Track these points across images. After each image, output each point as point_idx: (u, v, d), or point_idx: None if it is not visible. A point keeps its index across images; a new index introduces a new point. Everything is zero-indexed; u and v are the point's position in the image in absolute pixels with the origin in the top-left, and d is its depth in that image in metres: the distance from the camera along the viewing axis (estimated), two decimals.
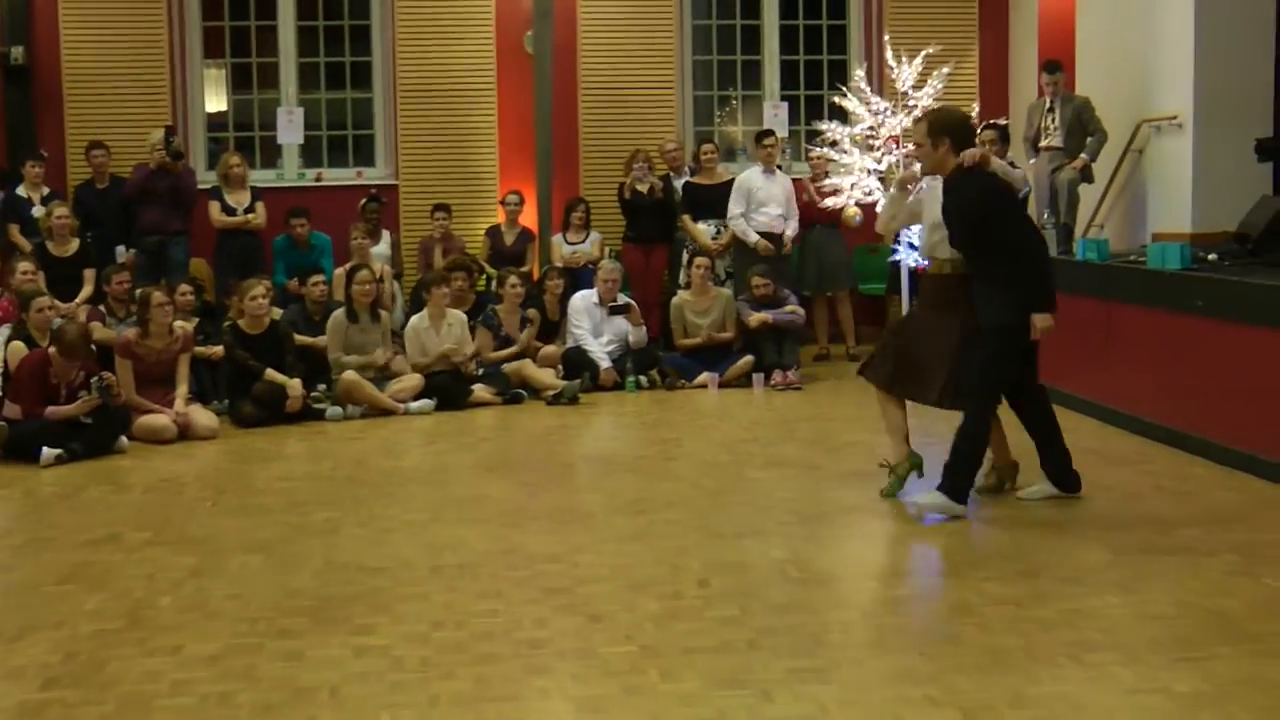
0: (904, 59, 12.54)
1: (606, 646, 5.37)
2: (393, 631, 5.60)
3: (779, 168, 13.34)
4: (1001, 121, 12.16)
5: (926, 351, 7.53)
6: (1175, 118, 11.44)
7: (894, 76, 12.59)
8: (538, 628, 5.62)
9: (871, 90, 12.86)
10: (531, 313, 12.13)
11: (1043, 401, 7.69)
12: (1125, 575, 6.19)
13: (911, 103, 12.40)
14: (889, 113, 12.54)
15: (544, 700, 4.88)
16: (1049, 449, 7.67)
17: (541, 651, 5.34)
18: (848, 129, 12.80)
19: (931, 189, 7.74)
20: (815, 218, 13.22)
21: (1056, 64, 12.26)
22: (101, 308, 11.57)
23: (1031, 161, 12.22)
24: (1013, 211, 7.39)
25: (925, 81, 12.37)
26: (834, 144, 12.78)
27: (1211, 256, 9.57)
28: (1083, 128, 11.95)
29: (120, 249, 12.76)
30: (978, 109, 12.45)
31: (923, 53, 12.48)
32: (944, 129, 7.31)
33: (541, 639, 5.48)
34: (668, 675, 5.04)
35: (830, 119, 13.33)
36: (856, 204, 12.80)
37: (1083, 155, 11.80)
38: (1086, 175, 11.84)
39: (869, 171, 12.58)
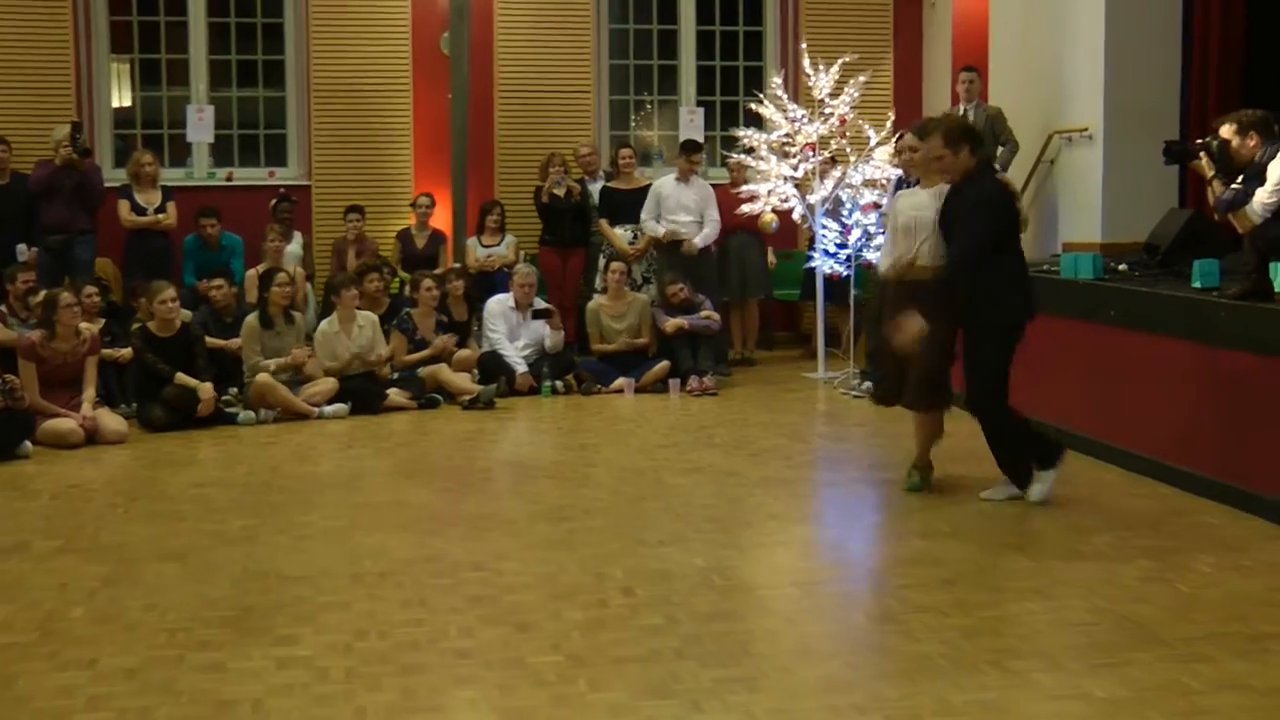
0: (820, 66, 12.59)
1: (534, 656, 5.35)
2: (315, 642, 5.54)
3: (695, 175, 13.36)
4: None
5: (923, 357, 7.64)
6: (1086, 129, 11.59)
7: (811, 84, 12.64)
8: (464, 637, 5.59)
9: (788, 97, 12.89)
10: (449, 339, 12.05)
11: (1017, 421, 7.82)
12: (1043, 582, 6.27)
13: (828, 110, 12.45)
14: (805, 120, 12.58)
15: (472, 711, 4.85)
16: (1024, 457, 7.79)
17: (468, 661, 5.31)
18: (764, 136, 12.83)
19: (901, 196, 7.95)
20: (735, 224, 13.25)
21: (972, 67, 12.42)
22: (3, 308, 11.36)
23: None
24: (999, 218, 7.55)
25: (842, 89, 12.43)
26: (751, 150, 12.81)
27: (1122, 267, 9.73)
28: (995, 138, 12.07)
29: (21, 247, 12.51)
30: (893, 117, 12.51)
31: (839, 61, 12.54)
32: (962, 136, 7.51)
33: (468, 649, 5.45)
34: (596, 685, 5.03)
35: (746, 125, 13.37)
36: (773, 210, 12.84)
37: (994, 165, 11.89)
38: None
39: (785, 178, 12.62)
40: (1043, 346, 9.54)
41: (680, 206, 12.92)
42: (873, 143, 12.26)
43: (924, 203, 7.75)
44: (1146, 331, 8.56)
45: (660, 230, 12.83)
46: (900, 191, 8.18)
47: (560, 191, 13.46)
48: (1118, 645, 5.41)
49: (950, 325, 7.60)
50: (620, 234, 13.08)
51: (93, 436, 9.90)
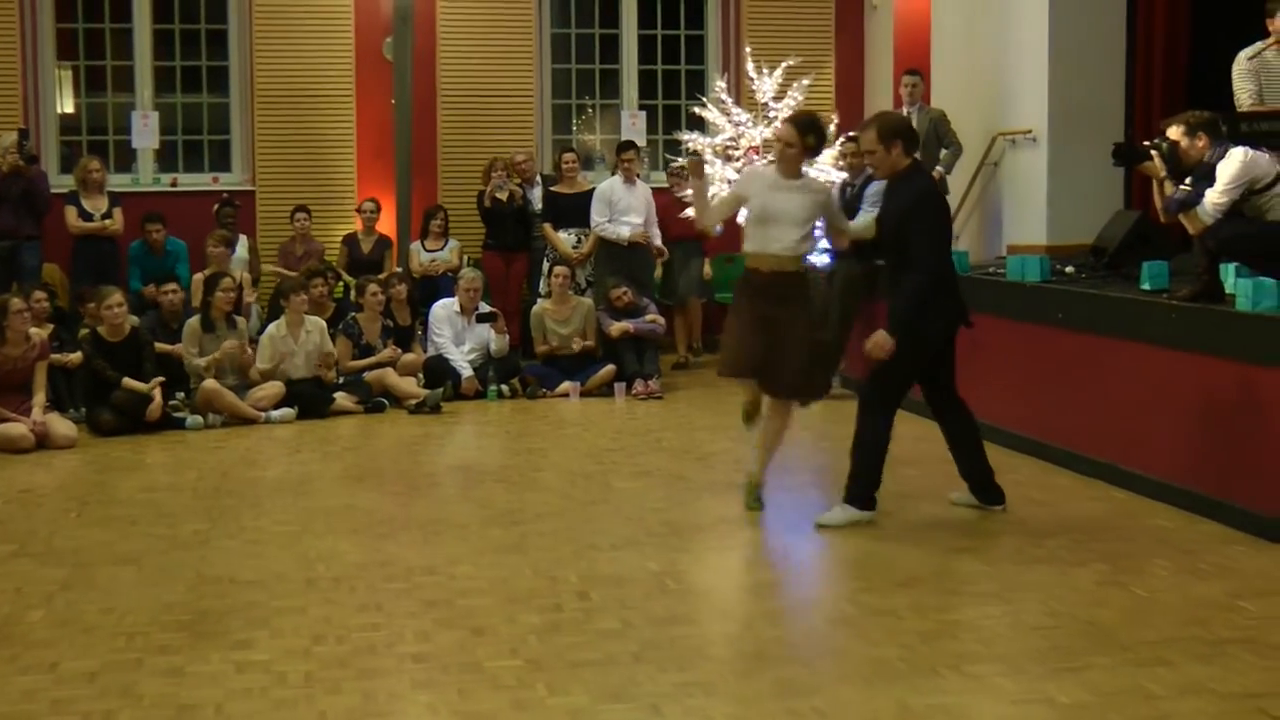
0: (764, 70, 12.62)
1: (491, 660, 5.33)
2: (273, 646, 5.51)
3: (639, 177, 13.36)
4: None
5: (788, 346, 7.54)
6: (1030, 131, 11.66)
7: (754, 87, 12.68)
8: (421, 641, 5.56)
9: (732, 101, 12.92)
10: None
11: (965, 415, 7.73)
12: (1000, 586, 6.28)
13: (772, 114, 12.49)
14: (749, 123, 12.61)
15: (432, 715, 4.83)
16: (970, 463, 7.72)
17: (426, 665, 5.28)
18: (708, 139, 12.85)
19: (760, 178, 7.79)
20: (677, 230, 13.24)
21: (915, 70, 12.46)
22: None
23: None
24: (935, 220, 7.44)
25: (785, 92, 12.47)
26: (695, 153, 12.80)
27: (1069, 269, 9.75)
28: (938, 140, 12.13)
29: None
30: (836, 120, 12.57)
31: (783, 64, 12.58)
32: (895, 132, 7.36)
33: (425, 653, 5.42)
34: (555, 689, 5.02)
35: (689, 129, 13.39)
36: None
37: (938, 168, 11.96)
38: (942, 187, 11.97)
39: (730, 182, 12.64)
40: (990, 349, 9.60)
41: (631, 208, 12.91)
42: None
43: (790, 194, 7.58)
44: (1095, 334, 8.56)
45: (624, 231, 12.80)
46: (753, 171, 7.98)
47: (503, 196, 13.43)
48: (1077, 650, 5.40)
49: (812, 318, 7.71)
50: (564, 238, 13.05)
51: (43, 441, 9.83)
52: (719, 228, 12.78)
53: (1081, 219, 10.94)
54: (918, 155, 7.59)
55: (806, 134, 7.58)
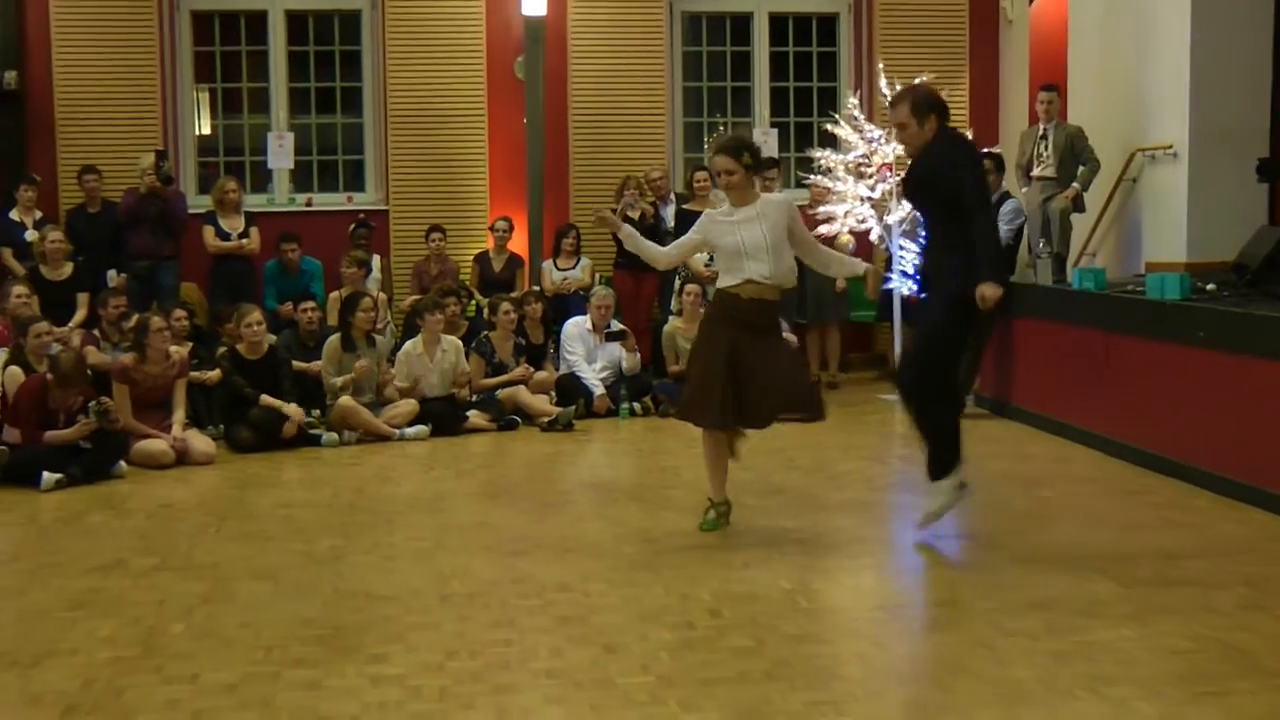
0: (896, 86, 12.57)
1: (623, 677, 5.37)
2: (408, 660, 5.60)
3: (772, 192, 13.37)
4: (994, 150, 12.23)
5: (766, 376, 7.46)
6: (1170, 147, 11.49)
7: (887, 104, 12.62)
8: (553, 657, 5.62)
9: (864, 117, 12.90)
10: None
11: (954, 411, 7.56)
12: (1137, 608, 6.20)
13: None
14: (882, 140, 12.58)
15: None
16: (943, 454, 7.48)
17: (558, 681, 5.34)
18: (840, 156, 12.84)
19: (715, 221, 7.64)
20: None
21: (1052, 85, 12.31)
22: (96, 332, 11.56)
23: (1024, 190, 12.28)
24: (977, 167, 7.32)
25: None
26: (828, 171, 12.83)
27: (1210, 287, 9.58)
28: (1075, 157, 12.00)
29: (111, 273, 12.73)
30: (970, 136, 12.45)
31: (916, 80, 12.52)
32: (930, 105, 7.24)
33: (558, 669, 5.48)
34: (687, 706, 5.05)
35: (821, 146, 13.39)
36: (850, 231, 12.86)
37: (1075, 184, 11.85)
38: (1078, 204, 11.89)
39: (862, 199, 12.64)
40: (1128, 369, 9.50)
41: None
42: None
43: (750, 224, 7.51)
44: (1238, 353, 8.39)
45: None
46: (708, 216, 7.89)
47: (634, 214, 13.49)
48: (1219, 674, 5.32)
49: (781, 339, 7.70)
50: (696, 256, 13.09)
51: (182, 457, 10.07)
52: (851, 245, 12.87)
53: (1223, 236, 10.76)
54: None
55: (740, 155, 7.47)
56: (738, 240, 7.50)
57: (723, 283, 7.65)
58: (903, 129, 7.31)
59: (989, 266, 7.06)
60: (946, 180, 7.12)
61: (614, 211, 13.27)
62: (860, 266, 7.86)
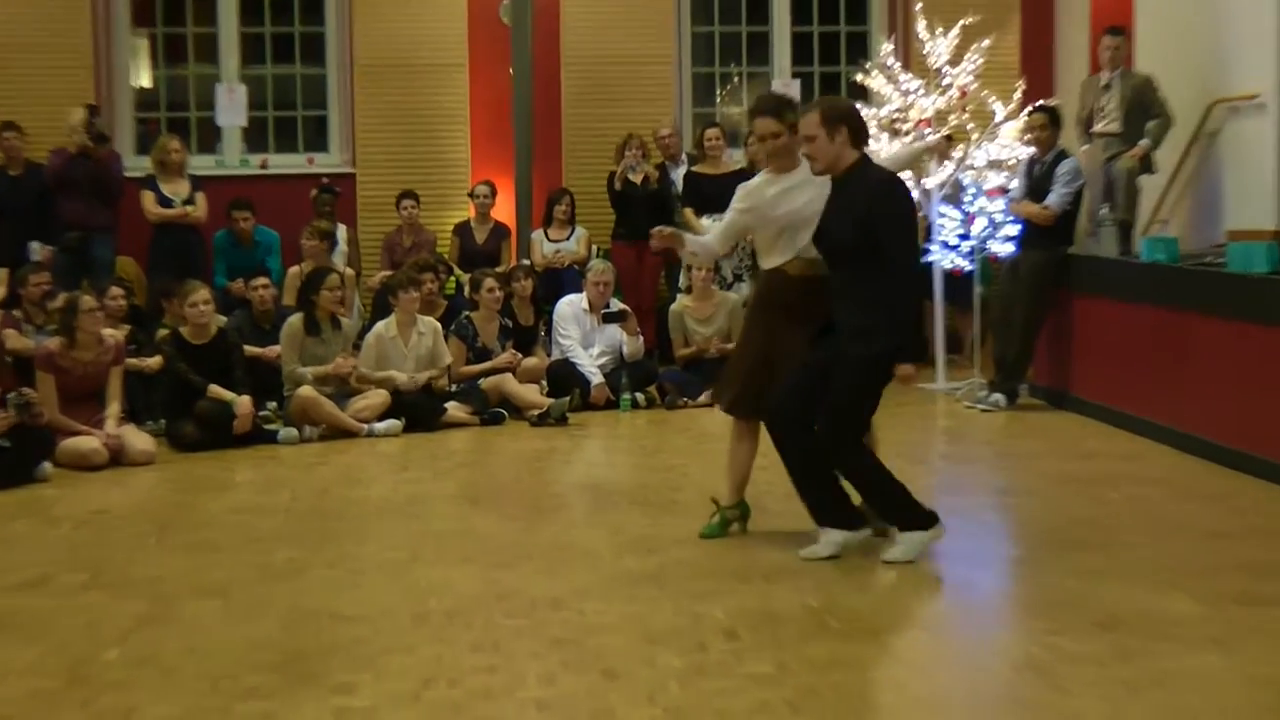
0: (938, 30, 12.53)
1: (626, 708, 5.32)
2: (377, 690, 5.54)
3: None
4: (1051, 103, 12.15)
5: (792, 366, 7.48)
6: (1256, 96, 11.43)
7: (926, 50, 12.58)
8: (544, 685, 5.57)
9: (899, 66, 12.83)
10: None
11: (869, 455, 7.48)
12: (1221, 630, 6.12)
13: (946, 80, 12.38)
14: (920, 92, 12.52)
15: None
16: (819, 490, 7.45)
17: (551, 713, 5.29)
18: (873, 111, 12.77)
19: (758, 192, 7.65)
20: None
21: (1118, 28, 12.23)
22: (16, 313, 11.50)
23: (1084, 148, 12.22)
24: (910, 218, 7.30)
25: (962, 56, 12.35)
26: None
27: None
28: (1143, 109, 11.93)
29: (35, 245, 12.66)
30: (1022, 87, 12.43)
31: (959, 23, 12.48)
32: (840, 116, 7.13)
33: (550, 699, 5.43)
34: None
35: (851, 99, 13.32)
36: None
37: (1143, 141, 11.80)
38: (1147, 164, 11.83)
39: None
40: (1206, 353, 9.43)
41: None
42: (998, 118, 12.17)
43: (801, 190, 7.50)
44: None
45: None
46: (746, 190, 7.91)
47: (636, 178, 13.48)
48: None
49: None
50: (708, 225, 13.04)
51: (117, 457, 10.01)
52: None
53: None
54: (866, 150, 7.27)
55: (783, 115, 7.48)
56: (788, 211, 7.49)
57: (768, 262, 7.67)
58: (810, 141, 7.16)
59: (905, 337, 7.13)
60: (867, 225, 7.04)
61: (613, 175, 13.41)
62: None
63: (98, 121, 12.69)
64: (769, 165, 7.68)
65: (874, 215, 7.00)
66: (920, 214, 12.87)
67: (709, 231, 8.11)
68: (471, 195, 13.98)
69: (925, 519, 7.29)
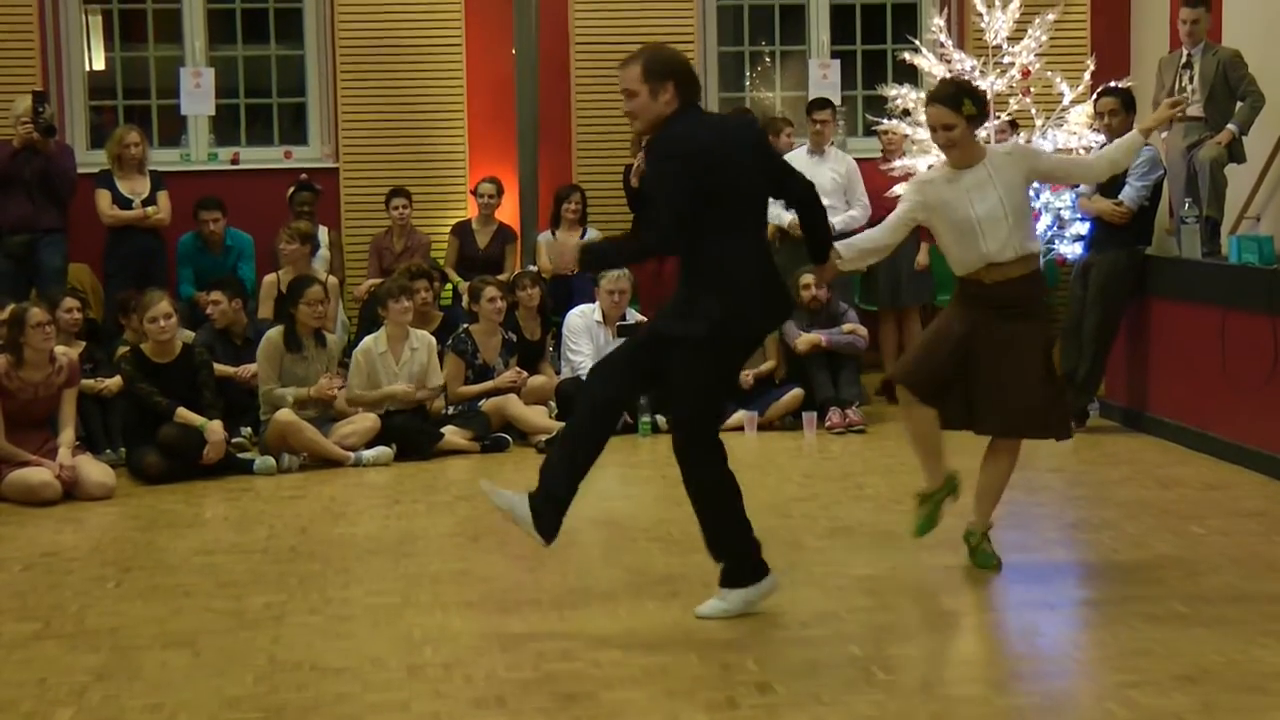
0: (996, 3, 12.56)
1: None
2: None
3: (831, 145, 13.37)
4: (1124, 84, 12.16)
5: (996, 376, 7.61)
6: None
7: (983, 26, 12.62)
8: None
9: (953, 44, 12.86)
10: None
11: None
12: None
13: (1006, 60, 12.41)
14: (977, 73, 12.55)
15: None
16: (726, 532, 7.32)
17: None
18: (922, 94, 12.80)
19: (934, 185, 7.77)
20: (884, 211, 13.20)
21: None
22: None
23: (1164, 135, 12.22)
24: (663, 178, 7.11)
25: (1024, 32, 12.38)
26: (906, 114, 12.79)
27: None
28: (1230, 90, 11.93)
29: None
30: (1092, 66, 12.45)
31: None
32: (668, 70, 7.04)
33: None
34: None
35: (897, 82, 13.35)
36: None
37: (1230, 126, 11.77)
38: (1235, 152, 11.81)
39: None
40: None
41: (818, 185, 12.87)
42: (1066, 100, 12.19)
43: (980, 190, 7.62)
44: None
45: (788, 218, 12.82)
46: (926, 178, 8.01)
47: None
48: None
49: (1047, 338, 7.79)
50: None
51: (71, 490, 10.05)
52: None
53: None
54: (700, 104, 7.21)
55: (959, 104, 7.58)
56: (969, 213, 7.60)
57: (957, 267, 7.81)
58: (632, 97, 7.09)
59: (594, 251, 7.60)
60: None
61: (629, 169, 13.43)
62: (1139, 133, 8.05)
63: (45, 110, 12.65)
64: (949, 159, 7.77)
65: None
66: None
67: None
68: (475, 193, 13.99)
69: (758, 571, 7.21)
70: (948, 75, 12.41)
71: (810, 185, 7.43)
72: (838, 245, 7.75)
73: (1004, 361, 7.57)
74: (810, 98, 14.00)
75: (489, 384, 11.89)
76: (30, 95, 12.79)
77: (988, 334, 7.61)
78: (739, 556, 7.23)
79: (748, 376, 12.12)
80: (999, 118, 12.52)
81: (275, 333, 11.32)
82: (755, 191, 7.15)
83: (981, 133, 12.09)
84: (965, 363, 7.67)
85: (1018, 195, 7.63)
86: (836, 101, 14.09)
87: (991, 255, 7.57)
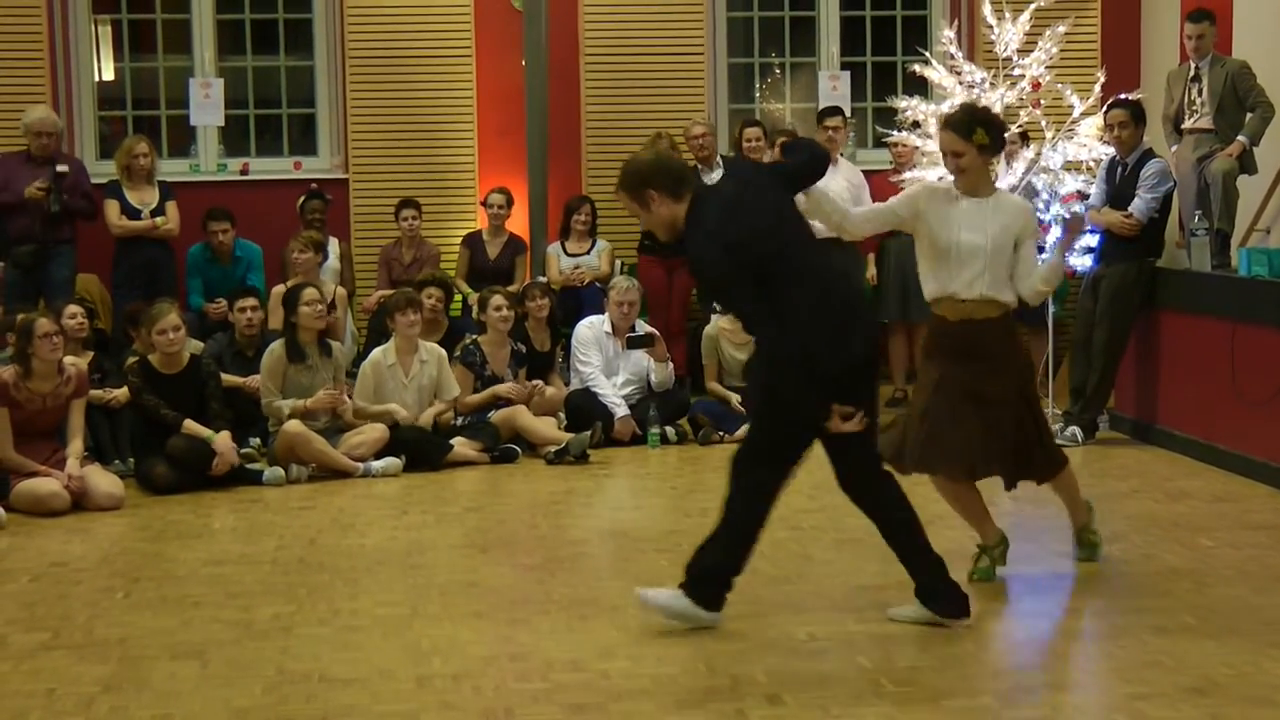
0: (1006, 15, 12.56)
1: None
2: None
3: (841, 155, 13.37)
4: (1133, 96, 12.15)
5: (984, 420, 7.58)
6: None
7: (993, 38, 12.61)
8: None
9: (963, 56, 12.85)
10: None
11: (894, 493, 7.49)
12: None
13: (1016, 72, 12.40)
14: (987, 85, 12.54)
15: None
16: (917, 557, 7.37)
17: None
18: (932, 106, 12.79)
19: (936, 195, 7.71)
20: None
21: (1204, 13, 12.21)
22: None
23: (1174, 148, 12.22)
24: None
25: (1035, 44, 12.37)
26: (916, 125, 12.79)
27: None
28: (1239, 101, 11.92)
29: None
30: (1102, 79, 12.43)
31: (1030, 6, 12.51)
32: (641, 180, 7.06)
33: None
34: None
35: (907, 93, 13.36)
36: None
37: (1240, 138, 11.78)
38: (1246, 163, 11.81)
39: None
40: None
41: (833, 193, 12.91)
42: (1076, 113, 12.18)
43: (977, 218, 7.58)
44: None
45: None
46: (930, 186, 8.00)
47: None
48: None
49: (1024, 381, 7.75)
50: None
51: (80, 500, 10.05)
52: None
53: None
54: (692, 190, 7.11)
55: (970, 132, 7.52)
56: (953, 237, 7.55)
57: (927, 291, 7.76)
58: (639, 212, 7.17)
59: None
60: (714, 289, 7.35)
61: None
62: (1056, 268, 7.92)
63: (57, 195, 12.56)
64: (957, 185, 7.71)
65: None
66: None
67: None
68: (485, 204, 14.00)
69: (718, 603, 7.20)
70: (964, 97, 12.42)
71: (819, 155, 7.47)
72: (814, 190, 7.55)
73: (980, 412, 7.54)
74: (820, 109, 14.02)
75: (493, 390, 11.86)
76: (49, 179, 12.64)
77: (958, 384, 7.54)
78: (719, 579, 7.20)
79: None
80: (1010, 130, 12.49)
81: (277, 345, 11.32)
82: (798, 236, 7.09)
83: None
84: (951, 410, 7.58)
85: (1005, 242, 7.53)
86: (846, 112, 14.11)
87: (958, 288, 7.51)
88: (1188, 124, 12.17)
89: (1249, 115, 11.85)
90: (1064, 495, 8.23)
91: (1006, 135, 8.39)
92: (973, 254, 7.50)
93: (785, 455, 7.19)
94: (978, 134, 7.51)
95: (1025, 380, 7.83)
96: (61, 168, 12.75)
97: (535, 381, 12.09)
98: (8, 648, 7.10)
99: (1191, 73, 12.15)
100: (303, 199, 13.82)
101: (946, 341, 7.64)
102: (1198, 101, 12.09)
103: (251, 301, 12.00)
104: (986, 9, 12.66)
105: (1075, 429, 11.57)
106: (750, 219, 6.90)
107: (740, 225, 6.86)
